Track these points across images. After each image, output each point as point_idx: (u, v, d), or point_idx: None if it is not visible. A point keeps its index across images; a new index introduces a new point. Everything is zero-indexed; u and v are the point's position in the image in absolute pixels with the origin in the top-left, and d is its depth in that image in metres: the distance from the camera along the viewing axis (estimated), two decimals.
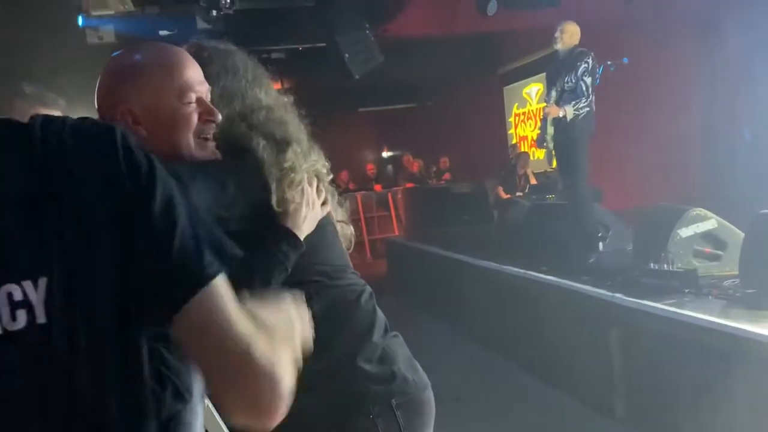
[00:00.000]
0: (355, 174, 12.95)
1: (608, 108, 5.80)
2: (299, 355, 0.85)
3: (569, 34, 5.22)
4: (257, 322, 0.78)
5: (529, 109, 11.45)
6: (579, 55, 5.16)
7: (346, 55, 7.80)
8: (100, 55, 6.72)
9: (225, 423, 1.24)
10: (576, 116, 5.10)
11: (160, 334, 0.81)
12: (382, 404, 1.43)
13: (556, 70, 5.37)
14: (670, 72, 7.86)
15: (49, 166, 0.73)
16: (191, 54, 1.30)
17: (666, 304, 3.55)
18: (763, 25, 7.04)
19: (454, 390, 4.12)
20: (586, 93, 5.09)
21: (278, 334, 0.81)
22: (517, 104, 11.93)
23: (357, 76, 8.00)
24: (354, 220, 1.80)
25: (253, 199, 1.32)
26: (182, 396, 0.95)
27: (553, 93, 5.33)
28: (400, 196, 11.58)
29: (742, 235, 3.91)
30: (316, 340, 1.45)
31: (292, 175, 1.38)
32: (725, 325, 3.11)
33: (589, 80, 5.11)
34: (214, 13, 6.86)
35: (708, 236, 4.35)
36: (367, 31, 7.86)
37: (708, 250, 4.34)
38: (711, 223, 4.34)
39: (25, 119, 0.75)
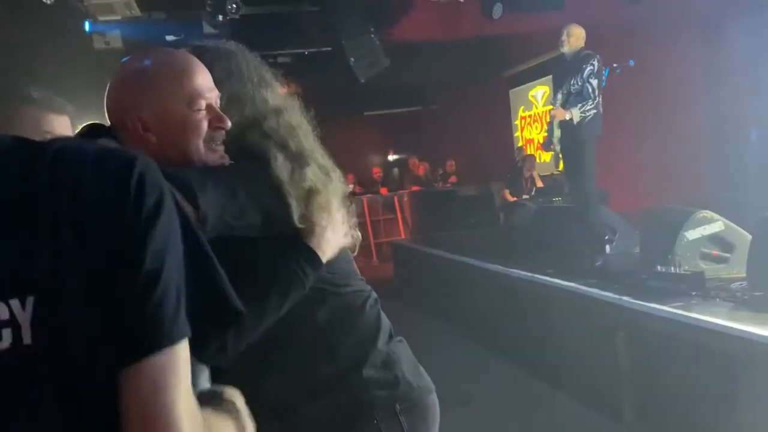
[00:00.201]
0: (361, 177, 12.94)
1: (614, 110, 5.79)
2: None
3: (575, 37, 5.23)
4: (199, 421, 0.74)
5: (535, 112, 11.44)
6: (585, 57, 5.16)
7: (352, 59, 7.83)
8: (107, 59, 6.77)
9: None
10: (583, 119, 5.10)
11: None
12: (386, 410, 1.43)
13: (562, 72, 5.37)
14: (676, 74, 7.83)
15: (55, 189, 0.72)
16: None
17: (673, 307, 3.54)
18: None
19: (460, 393, 4.12)
20: (592, 95, 5.09)
21: None
22: (523, 107, 11.91)
23: (363, 80, 8.03)
24: (360, 224, 1.80)
25: (265, 208, 1.30)
26: None
27: (560, 96, 5.33)
28: (406, 199, 11.59)
29: (750, 237, 3.89)
30: (321, 347, 1.47)
31: (317, 197, 1.36)
32: (733, 328, 3.10)
33: (595, 82, 5.11)
34: (221, 18, 6.90)
35: (715, 238, 4.32)
36: (373, 35, 7.89)
37: (715, 252, 4.32)
38: (718, 225, 4.32)
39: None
